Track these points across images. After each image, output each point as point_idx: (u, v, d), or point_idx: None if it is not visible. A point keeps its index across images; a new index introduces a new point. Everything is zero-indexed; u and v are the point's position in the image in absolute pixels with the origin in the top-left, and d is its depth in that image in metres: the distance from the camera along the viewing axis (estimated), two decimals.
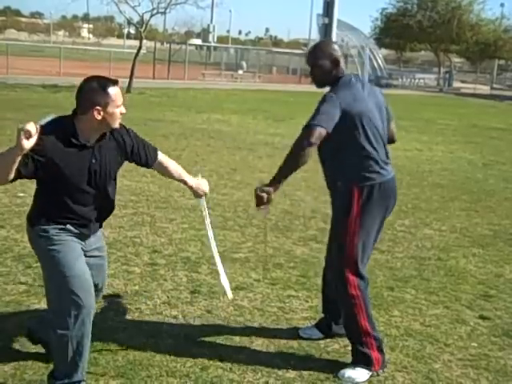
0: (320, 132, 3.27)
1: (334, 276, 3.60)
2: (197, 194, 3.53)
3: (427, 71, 57.33)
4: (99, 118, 2.88)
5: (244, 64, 38.84)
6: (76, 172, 2.94)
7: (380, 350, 3.57)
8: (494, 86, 49.39)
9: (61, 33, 76.80)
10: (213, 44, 48.18)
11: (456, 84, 46.45)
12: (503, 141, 15.78)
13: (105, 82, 2.89)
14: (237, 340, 3.85)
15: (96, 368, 3.37)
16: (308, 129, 3.29)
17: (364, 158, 3.43)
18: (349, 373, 3.49)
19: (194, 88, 24.80)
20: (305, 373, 3.51)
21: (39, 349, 3.50)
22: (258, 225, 6.36)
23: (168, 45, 36.08)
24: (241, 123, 15.15)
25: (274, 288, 4.72)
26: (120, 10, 24.02)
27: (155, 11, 23.01)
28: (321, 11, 37.31)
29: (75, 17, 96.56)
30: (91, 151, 2.97)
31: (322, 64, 3.51)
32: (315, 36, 46.46)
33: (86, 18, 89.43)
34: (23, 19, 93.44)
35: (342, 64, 3.54)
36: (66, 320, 2.93)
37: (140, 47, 22.65)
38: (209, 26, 51.81)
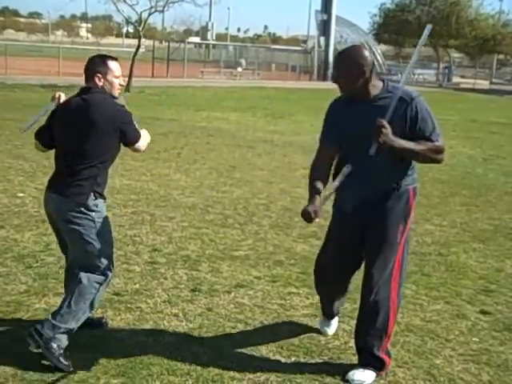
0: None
1: (378, 279, 3.40)
2: None
3: (426, 67, 57.24)
4: (100, 83, 3.38)
5: (243, 61, 38.78)
6: None
7: (389, 353, 3.57)
8: (494, 80, 49.37)
9: (59, 32, 76.82)
10: (211, 42, 48.18)
11: (455, 79, 46.42)
12: (503, 135, 15.77)
13: (104, 56, 3.48)
14: (237, 337, 3.85)
15: (97, 367, 3.37)
16: (443, 142, 3.31)
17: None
18: (358, 375, 3.45)
19: (192, 86, 24.79)
20: (306, 369, 3.51)
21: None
22: (258, 222, 6.36)
23: (167, 43, 36.06)
24: (240, 121, 15.14)
25: (274, 285, 4.72)
26: (118, 9, 24.01)
27: (153, 10, 23.05)
28: (319, 7, 37.38)
29: (73, 16, 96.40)
30: None
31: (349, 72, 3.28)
32: (314, 32, 46.42)
33: (84, 18, 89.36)
34: (21, 19, 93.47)
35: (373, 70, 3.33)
36: (107, 272, 3.45)
37: (139, 46, 22.64)
38: (207, 23, 51.84)
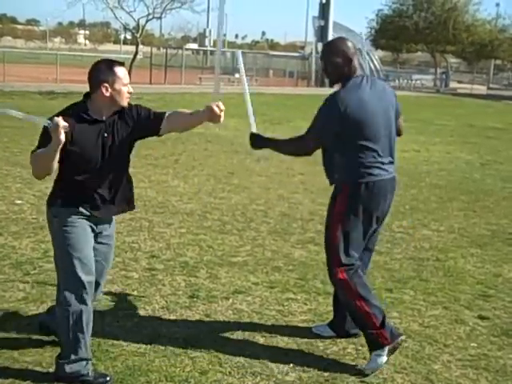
0: (313, 147, 3.63)
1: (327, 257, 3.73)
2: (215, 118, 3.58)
3: (424, 72, 57.40)
4: (107, 94, 3.13)
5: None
6: (90, 145, 3.14)
7: (382, 324, 3.56)
8: (491, 85, 49.53)
9: (57, 39, 76.88)
10: (209, 48, 48.19)
11: (453, 84, 46.55)
12: (500, 140, 15.80)
13: (111, 63, 3.20)
14: (236, 344, 3.85)
15: None
16: (304, 141, 3.67)
17: (357, 157, 3.52)
18: (369, 364, 3.57)
19: (190, 92, 24.79)
20: (304, 375, 3.51)
21: (37, 357, 3.50)
22: (256, 228, 6.36)
23: (164, 50, 36.12)
24: (238, 127, 15.11)
25: (272, 291, 4.72)
26: (116, 16, 24.00)
27: (151, 16, 23.06)
28: (317, 14, 37.42)
29: (71, 23, 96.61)
30: (104, 125, 3.18)
31: (333, 61, 3.56)
32: (312, 39, 46.50)
33: (82, 25, 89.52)
34: (19, 26, 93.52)
35: (355, 62, 3.57)
36: (68, 296, 3.19)
37: (136, 52, 22.68)
38: (205, 30, 51.84)
